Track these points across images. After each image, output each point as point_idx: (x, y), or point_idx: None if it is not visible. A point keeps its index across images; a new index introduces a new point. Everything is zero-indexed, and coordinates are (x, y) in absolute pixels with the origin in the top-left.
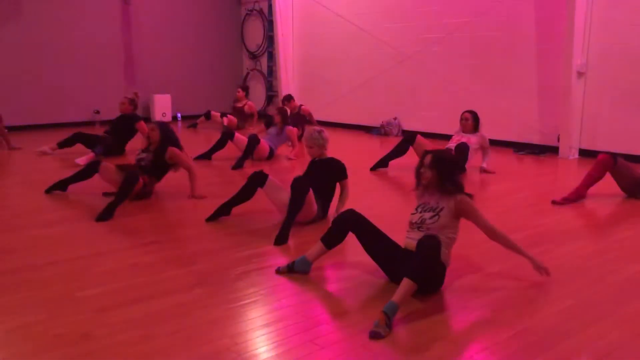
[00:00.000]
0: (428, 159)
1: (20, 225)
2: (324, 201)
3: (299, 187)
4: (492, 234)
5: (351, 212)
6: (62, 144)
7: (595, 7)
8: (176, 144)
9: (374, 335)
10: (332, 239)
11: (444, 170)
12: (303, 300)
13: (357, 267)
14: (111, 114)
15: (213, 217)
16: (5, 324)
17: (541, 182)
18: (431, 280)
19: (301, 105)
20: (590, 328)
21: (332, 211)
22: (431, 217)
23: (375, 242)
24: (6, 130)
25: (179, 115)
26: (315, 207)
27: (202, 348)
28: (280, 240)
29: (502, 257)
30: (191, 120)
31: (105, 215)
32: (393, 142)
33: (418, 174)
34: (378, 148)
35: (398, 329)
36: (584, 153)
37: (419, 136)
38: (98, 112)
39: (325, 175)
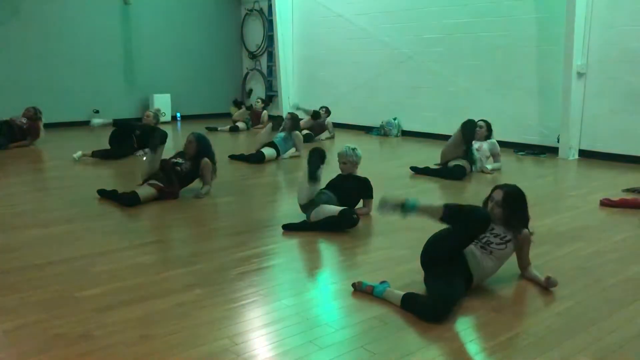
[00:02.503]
0: (499, 195)
1: (20, 225)
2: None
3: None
4: (526, 268)
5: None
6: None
7: (595, 7)
8: (211, 157)
9: (381, 202)
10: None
11: (514, 209)
12: (303, 300)
13: (359, 267)
14: (110, 114)
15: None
16: (5, 324)
17: (541, 183)
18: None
19: (327, 118)
20: (590, 329)
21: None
22: (499, 244)
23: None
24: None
25: (178, 114)
26: None
27: (201, 348)
28: (289, 227)
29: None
30: (188, 119)
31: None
32: (393, 142)
33: (485, 208)
34: (378, 148)
35: (398, 329)
36: (584, 154)
37: None
38: (97, 111)
39: (352, 190)
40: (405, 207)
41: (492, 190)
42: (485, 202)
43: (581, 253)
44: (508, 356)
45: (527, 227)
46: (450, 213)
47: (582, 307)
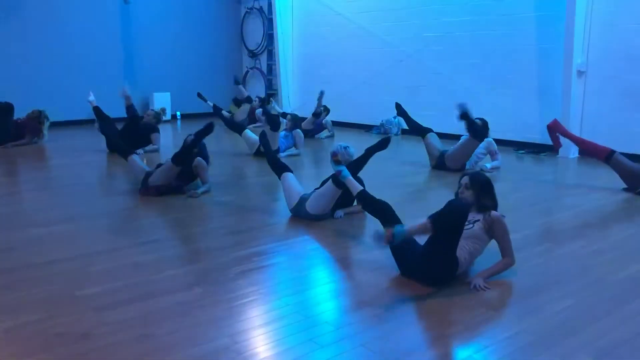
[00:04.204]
0: (466, 180)
1: (20, 224)
2: (338, 207)
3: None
4: (508, 258)
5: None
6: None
7: (595, 6)
8: (205, 158)
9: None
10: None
11: (481, 189)
12: (302, 299)
13: (358, 266)
14: (110, 114)
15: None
16: (5, 323)
17: (541, 181)
18: (443, 241)
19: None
20: (591, 327)
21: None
22: (465, 225)
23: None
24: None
25: (178, 113)
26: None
27: (201, 347)
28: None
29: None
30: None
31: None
32: (393, 141)
33: (457, 195)
34: None
35: (398, 327)
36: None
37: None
38: None
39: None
40: (395, 237)
41: (460, 179)
42: (457, 192)
43: (581, 251)
44: (508, 355)
45: (496, 209)
46: (436, 220)
47: (583, 305)
